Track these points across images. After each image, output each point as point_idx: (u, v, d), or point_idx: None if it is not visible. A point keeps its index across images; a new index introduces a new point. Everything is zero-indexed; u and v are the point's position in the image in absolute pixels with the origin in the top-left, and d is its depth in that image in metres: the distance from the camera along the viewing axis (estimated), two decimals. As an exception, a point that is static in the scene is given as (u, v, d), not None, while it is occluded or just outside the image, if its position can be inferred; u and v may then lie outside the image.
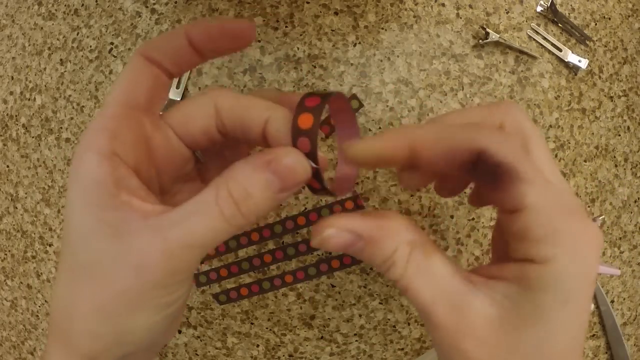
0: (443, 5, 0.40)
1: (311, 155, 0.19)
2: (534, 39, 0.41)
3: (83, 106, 0.42)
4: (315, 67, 0.39)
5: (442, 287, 0.18)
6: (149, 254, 0.18)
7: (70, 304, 0.20)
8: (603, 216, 0.41)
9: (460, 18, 0.40)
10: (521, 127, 0.20)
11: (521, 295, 0.17)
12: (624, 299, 0.45)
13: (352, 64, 0.39)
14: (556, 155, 0.41)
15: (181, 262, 0.19)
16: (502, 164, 0.17)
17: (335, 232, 0.20)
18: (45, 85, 0.43)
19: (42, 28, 0.43)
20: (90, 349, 0.20)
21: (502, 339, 0.17)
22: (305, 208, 0.39)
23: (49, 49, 0.43)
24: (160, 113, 0.24)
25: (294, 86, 0.39)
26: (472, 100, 0.40)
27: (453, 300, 0.18)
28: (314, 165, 0.20)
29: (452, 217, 0.40)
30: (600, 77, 0.42)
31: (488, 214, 0.41)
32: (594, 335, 0.44)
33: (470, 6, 0.40)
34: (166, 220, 0.19)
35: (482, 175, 0.17)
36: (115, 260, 0.19)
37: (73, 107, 0.42)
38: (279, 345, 0.41)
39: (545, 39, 0.41)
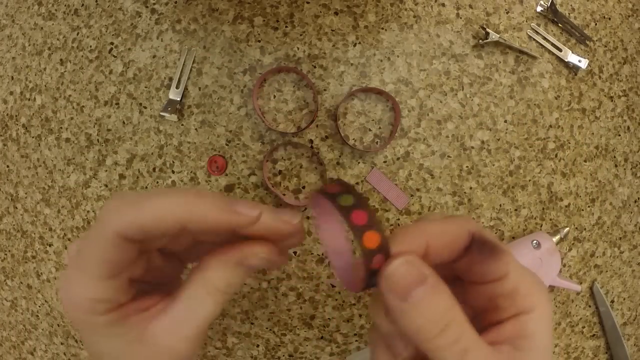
0: (443, 5, 0.40)
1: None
2: (534, 39, 0.41)
3: (83, 106, 0.42)
4: (315, 67, 0.39)
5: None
6: None
7: None
8: (568, 228, 0.41)
9: (460, 18, 0.40)
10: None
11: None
12: (624, 299, 0.45)
13: (352, 64, 0.39)
14: (556, 155, 0.41)
15: None
16: (489, 241, 0.21)
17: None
18: (45, 85, 0.43)
19: (42, 28, 0.43)
20: None
21: None
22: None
23: (49, 49, 0.43)
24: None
25: (294, 86, 0.39)
26: (472, 100, 0.40)
27: None
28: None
29: (452, 217, 0.40)
30: (600, 77, 0.42)
31: (488, 214, 0.41)
32: (594, 335, 0.44)
33: (470, 6, 0.40)
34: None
35: (475, 252, 0.21)
36: None
37: (73, 107, 0.42)
38: (279, 345, 0.41)
39: (545, 39, 0.41)
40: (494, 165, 0.40)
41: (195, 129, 0.40)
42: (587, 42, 0.41)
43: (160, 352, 0.21)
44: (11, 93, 0.44)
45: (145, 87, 0.40)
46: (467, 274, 0.22)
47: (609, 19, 0.43)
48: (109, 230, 0.19)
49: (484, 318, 0.22)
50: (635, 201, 0.44)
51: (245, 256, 0.22)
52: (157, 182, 0.40)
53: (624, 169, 0.43)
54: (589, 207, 0.43)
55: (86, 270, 0.20)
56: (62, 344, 0.45)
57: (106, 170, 0.41)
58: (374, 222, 0.19)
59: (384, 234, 0.20)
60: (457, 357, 0.19)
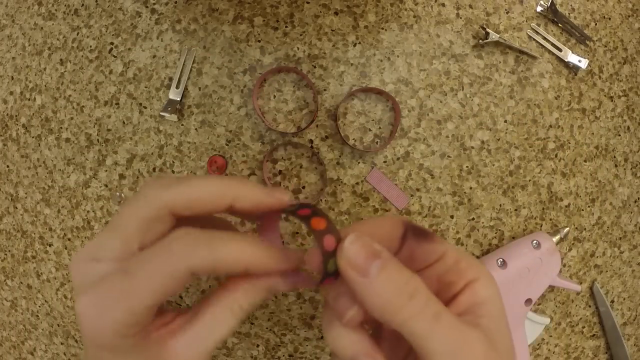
0: (443, 5, 0.40)
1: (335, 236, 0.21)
2: (534, 39, 0.41)
3: (83, 106, 0.42)
4: (315, 67, 0.39)
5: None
6: None
7: None
8: (568, 228, 0.41)
9: (460, 18, 0.40)
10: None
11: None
12: (624, 299, 0.45)
13: (352, 64, 0.39)
14: (556, 155, 0.41)
15: None
16: (421, 227, 0.23)
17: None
18: (45, 85, 0.43)
19: (42, 28, 0.43)
20: None
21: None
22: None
23: (49, 49, 0.43)
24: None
25: (294, 86, 0.39)
26: (472, 100, 0.40)
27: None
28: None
29: (452, 217, 0.40)
30: (600, 77, 0.42)
31: (488, 214, 0.41)
32: (594, 335, 0.44)
33: (470, 6, 0.40)
34: None
35: (411, 238, 0.23)
36: None
37: (73, 107, 0.42)
38: (279, 345, 0.41)
39: (545, 39, 0.41)
40: (494, 165, 0.40)
41: (195, 129, 0.40)
42: (587, 42, 0.41)
43: None
44: (11, 93, 0.44)
45: (145, 87, 0.40)
46: (412, 263, 0.23)
47: (609, 19, 0.43)
48: (181, 265, 0.19)
49: (441, 299, 0.23)
50: (635, 201, 0.44)
51: (277, 282, 0.23)
52: (157, 182, 0.40)
53: (624, 169, 0.43)
54: (589, 207, 0.43)
55: (135, 297, 0.19)
56: (62, 344, 0.45)
57: (106, 170, 0.41)
58: (319, 212, 0.21)
59: (329, 219, 0.21)
60: (429, 323, 0.19)
